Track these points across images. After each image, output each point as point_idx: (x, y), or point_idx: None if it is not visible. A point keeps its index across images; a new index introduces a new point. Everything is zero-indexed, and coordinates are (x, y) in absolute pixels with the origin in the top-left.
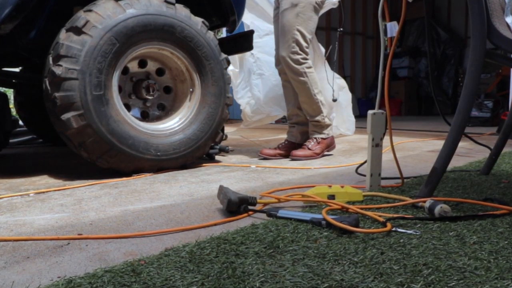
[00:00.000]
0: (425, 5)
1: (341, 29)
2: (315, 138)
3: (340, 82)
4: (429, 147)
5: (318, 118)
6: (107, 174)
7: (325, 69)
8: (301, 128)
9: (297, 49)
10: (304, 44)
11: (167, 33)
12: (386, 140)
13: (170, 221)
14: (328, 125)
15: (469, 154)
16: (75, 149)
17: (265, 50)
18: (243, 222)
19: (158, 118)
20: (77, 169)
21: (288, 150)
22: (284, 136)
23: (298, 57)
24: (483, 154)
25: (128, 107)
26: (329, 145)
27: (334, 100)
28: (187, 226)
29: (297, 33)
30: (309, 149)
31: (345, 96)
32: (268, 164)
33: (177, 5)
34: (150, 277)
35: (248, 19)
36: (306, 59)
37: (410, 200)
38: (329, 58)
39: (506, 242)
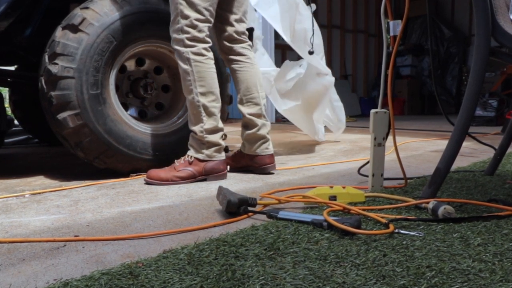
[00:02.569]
0: (427, 2)
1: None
2: (188, 155)
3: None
4: (433, 147)
5: (195, 129)
6: (104, 174)
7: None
8: (245, 133)
9: (182, 25)
10: (193, 16)
11: (165, 31)
12: (389, 140)
13: (168, 223)
14: (212, 144)
15: (473, 154)
16: (72, 149)
17: None
18: (243, 223)
19: (156, 118)
20: (73, 170)
21: (233, 159)
22: (285, 134)
23: (182, 36)
24: (487, 154)
25: (125, 106)
26: (209, 171)
27: (311, 53)
28: (186, 228)
29: (182, 2)
30: (174, 168)
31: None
32: None
33: None
34: (148, 279)
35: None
36: (195, 40)
37: (413, 201)
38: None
39: (511, 244)
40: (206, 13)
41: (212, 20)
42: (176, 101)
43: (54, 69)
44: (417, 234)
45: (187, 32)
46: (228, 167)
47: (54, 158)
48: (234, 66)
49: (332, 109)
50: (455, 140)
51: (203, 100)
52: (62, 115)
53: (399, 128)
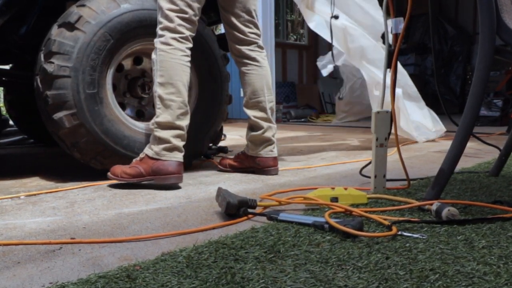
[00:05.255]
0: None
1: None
2: (143, 153)
3: None
4: (436, 148)
5: (152, 121)
6: (101, 175)
7: None
8: (250, 134)
9: (158, 16)
10: (166, 6)
11: None
12: (391, 140)
13: (166, 225)
14: (163, 141)
15: (478, 154)
16: (68, 149)
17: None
18: (243, 225)
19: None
20: (69, 171)
21: (236, 160)
22: (286, 135)
23: (157, 27)
24: (492, 155)
25: (122, 106)
26: (155, 171)
27: (335, 17)
28: (184, 230)
29: None
30: (130, 166)
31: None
32: None
33: None
34: (145, 282)
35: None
36: (165, 29)
37: (417, 203)
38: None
39: None
40: (180, 3)
41: (189, 11)
42: None
43: (50, 68)
44: (421, 237)
45: (161, 23)
46: (226, 167)
47: (50, 158)
48: (242, 68)
49: (424, 116)
50: (459, 140)
51: (159, 90)
52: (58, 115)
53: None
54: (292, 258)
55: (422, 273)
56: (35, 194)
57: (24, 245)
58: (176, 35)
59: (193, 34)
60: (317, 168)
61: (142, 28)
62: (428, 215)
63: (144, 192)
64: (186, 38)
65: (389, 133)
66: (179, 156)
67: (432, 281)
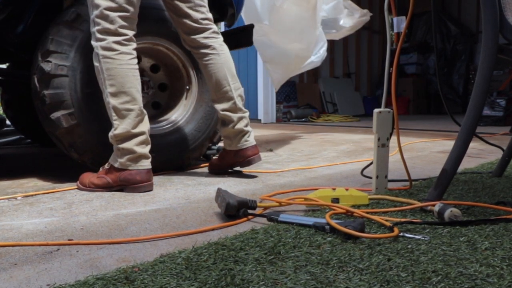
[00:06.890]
0: None
1: None
2: (108, 163)
3: None
4: (439, 148)
5: (110, 134)
6: None
7: None
8: (223, 129)
9: (93, 16)
10: (103, 5)
11: (162, 28)
12: (393, 140)
13: (165, 226)
14: (126, 152)
15: (481, 155)
16: (65, 150)
17: None
18: (243, 226)
19: (152, 117)
20: (67, 171)
21: (220, 159)
22: (286, 135)
23: (94, 29)
24: (495, 155)
25: None
26: (124, 181)
27: None
28: (183, 231)
29: None
30: (97, 174)
31: None
32: (269, 166)
33: None
34: (144, 284)
35: None
36: (106, 32)
37: (419, 204)
38: None
39: None
40: (119, 0)
41: (130, 8)
42: (173, 100)
43: (47, 67)
44: (423, 238)
45: (98, 24)
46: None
47: (47, 159)
48: (201, 61)
49: None
50: (462, 140)
51: (113, 101)
52: (55, 115)
53: (403, 128)
54: (293, 259)
55: (424, 275)
56: (32, 195)
57: (21, 247)
58: (119, 38)
59: (135, 32)
60: (318, 168)
61: (140, 27)
62: (430, 216)
63: (142, 193)
64: (130, 40)
65: (391, 133)
66: (146, 164)
67: (434, 283)
